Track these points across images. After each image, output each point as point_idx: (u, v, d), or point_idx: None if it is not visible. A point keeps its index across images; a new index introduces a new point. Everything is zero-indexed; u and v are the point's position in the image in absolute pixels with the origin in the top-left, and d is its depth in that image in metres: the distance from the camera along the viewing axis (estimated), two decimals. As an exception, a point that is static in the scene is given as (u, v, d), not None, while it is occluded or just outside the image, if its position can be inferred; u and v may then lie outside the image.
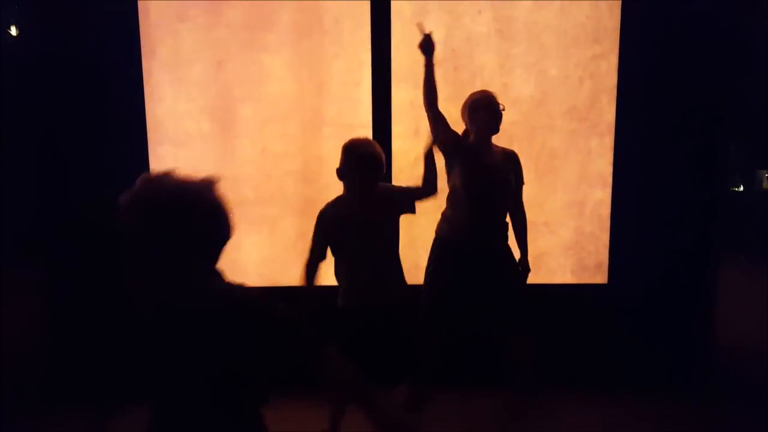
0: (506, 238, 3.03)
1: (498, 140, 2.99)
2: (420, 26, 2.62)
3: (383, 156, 2.31)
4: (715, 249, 3.42)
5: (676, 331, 3.41)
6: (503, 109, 2.89)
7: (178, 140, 3.27)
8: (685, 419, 3.07)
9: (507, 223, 3.03)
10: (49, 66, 3.09)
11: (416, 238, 3.28)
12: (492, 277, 2.94)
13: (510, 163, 2.97)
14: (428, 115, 2.84)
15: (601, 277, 3.46)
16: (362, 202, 2.31)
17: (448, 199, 2.98)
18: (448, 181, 2.95)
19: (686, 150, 3.32)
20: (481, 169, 2.87)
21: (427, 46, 2.74)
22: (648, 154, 3.31)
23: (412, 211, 2.46)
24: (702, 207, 3.36)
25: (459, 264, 2.92)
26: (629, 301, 3.37)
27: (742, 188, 12.65)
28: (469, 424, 3.03)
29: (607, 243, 3.42)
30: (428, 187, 2.52)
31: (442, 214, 3.00)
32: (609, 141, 3.36)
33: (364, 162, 2.25)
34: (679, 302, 3.40)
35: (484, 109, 2.86)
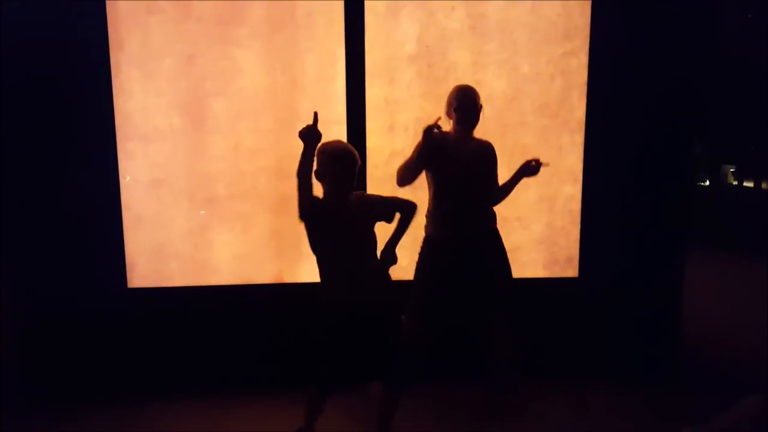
0: (490, 226, 3.04)
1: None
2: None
3: (357, 156, 2.36)
4: (682, 243, 3.51)
5: (645, 323, 3.48)
6: (480, 107, 2.93)
7: (148, 136, 3.21)
8: (656, 409, 3.15)
9: (490, 212, 3.04)
10: (14, 59, 3.00)
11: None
12: (477, 270, 2.97)
13: (487, 155, 3.00)
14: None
15: (572, 271, 3.51)
16: (340, 202, 2.33)
17: (430, 197, 3.01)
18: (429, 180, 2.97)
19: (654, 146, 3.39)
20: (456, 165, 2.89)
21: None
22: (617, 150, 3.37)
23: (389, 220, 2.48)
24: (669, 201, 3.44)
25: (444, 261, 2.94)
26: (600, 294, 3.44)
27: (708, 183, 12.98)
28: (446, 418, 3.05)
29: (578, 237, 3.48)
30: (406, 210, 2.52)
31: (427, 212, 3.02)
32: (579, 137, 3.41)
33: (338, 162, 2.30)
34: (648, 295, 3.48)
35: (460, 107, 2.89)
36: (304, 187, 2.26)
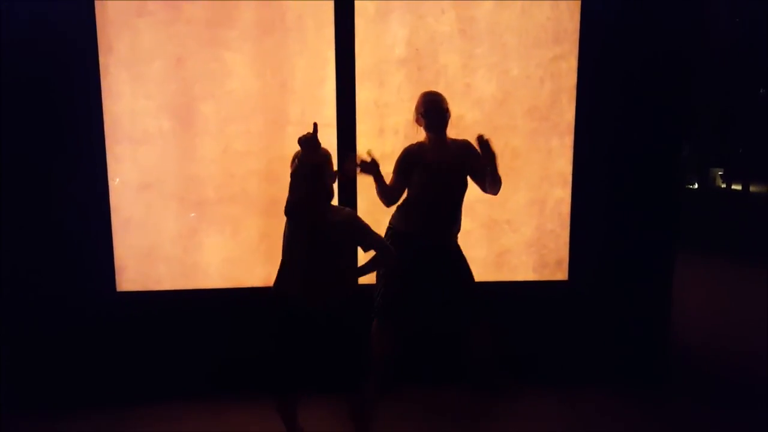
0: (456, 236, 3.11)
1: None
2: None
3: (324, 161, 2.30)
4: (671, 245, 3.53)
5: (634, 326, 3.50)
6: (447, 111, 2.96)
7: (137, 138, 3.19)
8: (645, 411, 3.16)
9: (459, 222, 3.09)
10: (2, 61, 2.97)
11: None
12: (443, 274, 3.01)
13: (463, 155, 3.01)
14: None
15: (561, 274, 3.53)
16: (320, 210, 2.32)
17: (406, 196, 3.04)
18: (409, 184, 3.02)
19: (643, 149, 3.41)
20: (431, 173, 2.94)
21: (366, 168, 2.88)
22: (606, 153, 3.39)
23: (364, 249, 2.49)
24: (658, 204, 3.47)
25: (412, 260, 2.95)
26: (589, 297, 3.46)
27: (696, 186, 13.09)
28: (432, 421, 3.05)
29: (568, 240, 3.50)
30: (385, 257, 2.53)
31: (398, 207, 3.05)
32: (569, 140, 3.43)
33: (306, 168, 2.25)
34: (638, 298, 3.50)
35: (427, 113, 2.94)
36: (294, 187, 2.25)
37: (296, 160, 2.29)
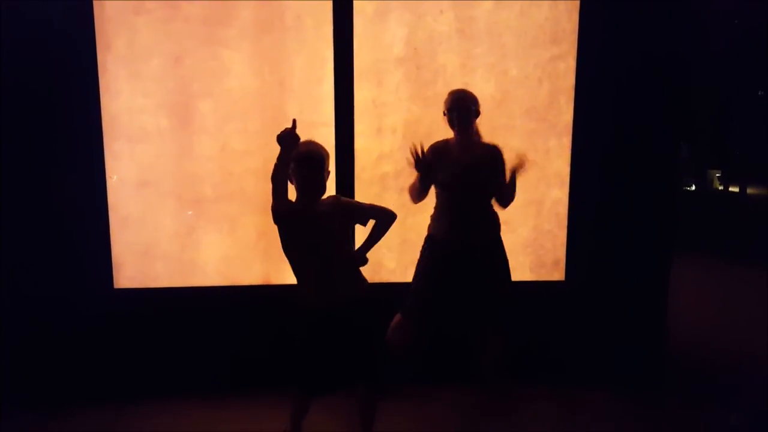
0: (492, 235, 3.04)
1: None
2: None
3: (323, 158, 2.30)
4: (668, 246, 3.54)
5: (631, 326, 3.51)
6: (473, 111, 2.92)
7: (135, 136, 3.19)
8: (641, 410, 3.17)
9: (493, 220, 3.04)
10: (1, 59, 2.98)
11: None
12: (474, 275, 2.97)
13: (490, 159, 2.96)
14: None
15: (558, 274, 3.53)
16: (309, 205, 2.31)
17: (436, 198, 3.03)
18: (434, 181, 2.98)
19: (641, 150, 3.42)
20: (456, 171, 2.90)
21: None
22: (604, 154, 3.40)
23: (363, 223, 2.46)
24: (656, 206, 3.47)
25: (443, 263, 2.96)
26: (586, 297, 3.46)
27: (694, 187, 13.11)
28: (437, 420, 3.05)
29: (565, 241, 3.50)
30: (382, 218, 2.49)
31: (433, 213, 3.05)
32: (567, 141, 3.44)
33: (302, 165, 2.27)
34: (634, 298, 3.50)
35: (451, 111, 2.91)
36: (277, 190, 2.25)
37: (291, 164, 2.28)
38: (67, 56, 3.04)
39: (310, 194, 2.31)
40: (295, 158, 2.26)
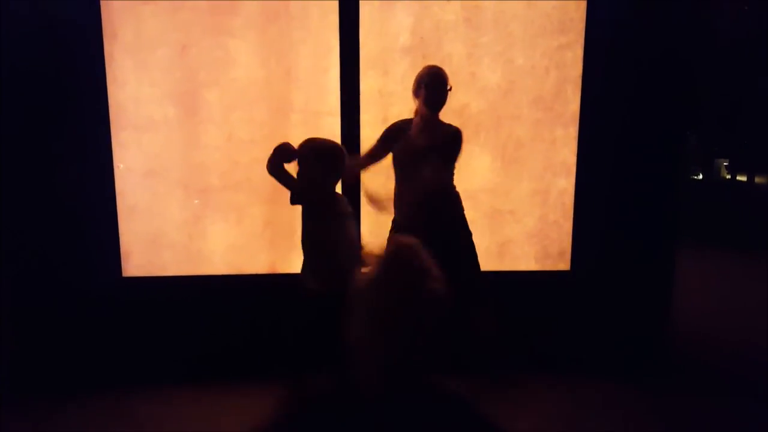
0: (455, 211, 3.00)
1: (466, 129, 3.00)
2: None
3: (320, 151, 2.52)
4: (674, 236, 3.53)
5: (636, 317, 3.52)
6: (450, 89, 2.88)
7: (142, 126, 3.21)
8: (645, 401, 3.18)
9: (454, 198, 3.00)
10: (6, 48, 2.98)
11: (384, 227, 3.31)
12: (439, 256, 2.97)
13: (452, 140, 2.90)
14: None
15: (564, 265, 3.54)
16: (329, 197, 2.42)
17: (396, 179, 3.03)
18: (393, 164, 3.01)
19: (647, 140, 3.41)
20: (417, 149, 2.87)
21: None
22: (611, 144, 3.39)
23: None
24: (662, 195, 3.47)
25: None
26: (591, 288, 3.47)
27: (701, 177, 13.03)
28: (432, 410, 3.07)
29: (570, 231, 3.50)
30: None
31: (394, 195, 3.04)
32: (573, 131, 3.43)
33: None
34: (640, 289, 3.51)
35: (426, 88, 2.86)
36: (282, 178, 2.47)
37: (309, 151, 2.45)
38: (74, 46, 3.05)
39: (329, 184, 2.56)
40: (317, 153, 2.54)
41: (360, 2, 3.20)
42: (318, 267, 2.41)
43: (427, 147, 2.86)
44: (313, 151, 2.56)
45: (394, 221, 3.05)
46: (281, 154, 2.53)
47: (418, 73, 2.92)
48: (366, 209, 3.24)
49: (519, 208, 3.46)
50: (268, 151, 3.26)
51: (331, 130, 3.25)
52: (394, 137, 2.94)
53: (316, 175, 2.56)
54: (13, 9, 2.97)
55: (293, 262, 3.33)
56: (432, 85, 2.85)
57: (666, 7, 3.29)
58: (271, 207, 3.31)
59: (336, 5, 3.19)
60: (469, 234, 3.05)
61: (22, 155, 3.09)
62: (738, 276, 6.06)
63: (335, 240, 2.40)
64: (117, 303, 3.25)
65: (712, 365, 3.66)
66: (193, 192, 3.30)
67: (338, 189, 2.82)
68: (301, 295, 2.44)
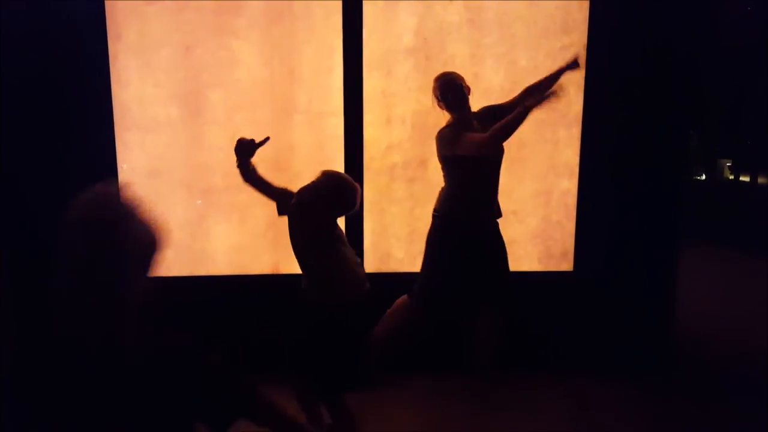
0: (500, 213, 3.07)
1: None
2: None
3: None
4: (677, 237, 3.53)
5: (639, 317, 3.51)
6: (465, 87, 2.93)
7: (146, 126, 3.21)
8: (648, 401, 3.18)
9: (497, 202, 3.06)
10: (11, 49, 2.99)
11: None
12: (485, 255, 3.00)
13: (488, 123, 2.90)
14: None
15: (566, 265, 3.53)
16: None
17: (452, 182, 3.01)
18: (450, 164, 2.99)
19: (650, 140, 3.40)
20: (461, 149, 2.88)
21: None
22: (614, 144, 3.39)
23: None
24: (665, 196, 3.46)
25: (460, 243, 2.97)
26: (594, 288, 3.46)
27: (704, 177, 12.99)
28: (433, 410, 3.07)
29: (573, 231, 3.50)
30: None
31: (441, 192, 3.04)
32: (576, 131, 3.42)
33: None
34: (642, 289, 3.50)
35: (444, 95, 2.91)
36: (262, 188, 2.38)
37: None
38: (78, 46, 3.06)
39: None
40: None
41: (363, 3, 3.21)
42: (324, 277, 2.38)
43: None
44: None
45: (441, 219, 3.00)
46: (242, 150, 2.37)
47: (433, 86, 2.96)
48: (367, 209, 3.24)
49: (522, 209, 3.46)
50: (271, 152, 3.28)
51: (335, 131, 3.25)
52: (448, 144, 2.91)
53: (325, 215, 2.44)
54: (17, 9, 2.97)
55: (296, 263, 3.33)
56: (448, 92, 2.90)
57: (669, 8, 3.28)
58: (273, 208, 3.30)
59: (339, 6, 3.20)
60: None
61: (26, 155, 3.10)
62: (741, 276, 6.05)
63: (338, 250, 2.37)
64: (120, 303, 3.25)
65: (715, 365, 3.66)
66: (197, 192, 3.30)
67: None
68: (304, 306, 2.43)
